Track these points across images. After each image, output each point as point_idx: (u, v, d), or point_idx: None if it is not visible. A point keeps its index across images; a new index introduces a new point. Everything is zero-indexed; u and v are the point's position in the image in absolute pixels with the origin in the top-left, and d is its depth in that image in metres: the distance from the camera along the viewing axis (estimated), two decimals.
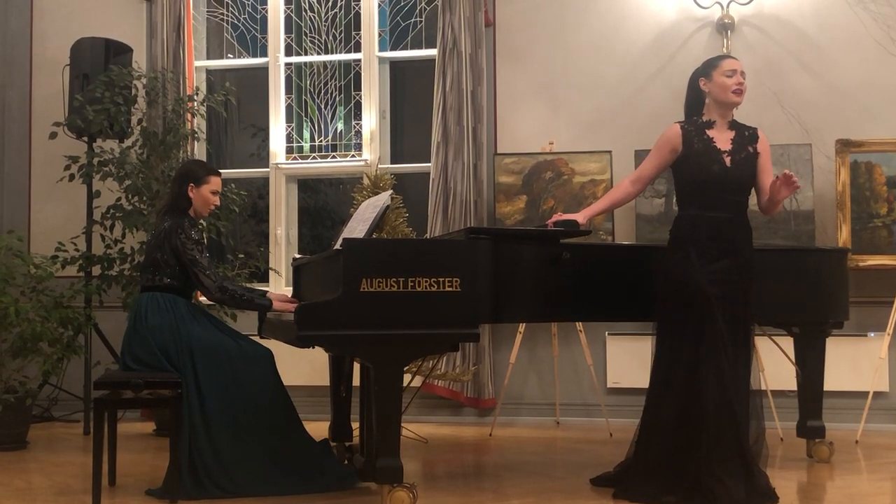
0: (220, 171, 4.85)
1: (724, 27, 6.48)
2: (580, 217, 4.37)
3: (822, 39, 6.40)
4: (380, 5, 7.22)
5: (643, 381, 6.30)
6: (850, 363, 6.08)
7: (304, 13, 7.35)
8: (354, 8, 7.25)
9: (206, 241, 4.79)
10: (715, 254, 4.13)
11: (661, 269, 4.28)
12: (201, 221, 4.72)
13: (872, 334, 6.11)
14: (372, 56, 7.16)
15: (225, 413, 4.24)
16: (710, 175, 4.18)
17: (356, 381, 4.89)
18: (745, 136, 4.28)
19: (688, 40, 6.60)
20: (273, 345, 4.51)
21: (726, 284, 4.10)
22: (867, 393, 5.85)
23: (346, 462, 4.72)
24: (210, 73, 7.55)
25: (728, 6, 6.47)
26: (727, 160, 4.19)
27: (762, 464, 4.17)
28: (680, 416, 4.08)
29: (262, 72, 7.36)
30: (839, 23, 6.42)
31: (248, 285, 6.36)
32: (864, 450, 5.52)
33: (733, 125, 4.31)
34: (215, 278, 4.44)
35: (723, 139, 4.24)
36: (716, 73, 4.26)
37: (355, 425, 4.93)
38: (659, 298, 4.27)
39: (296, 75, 7.37)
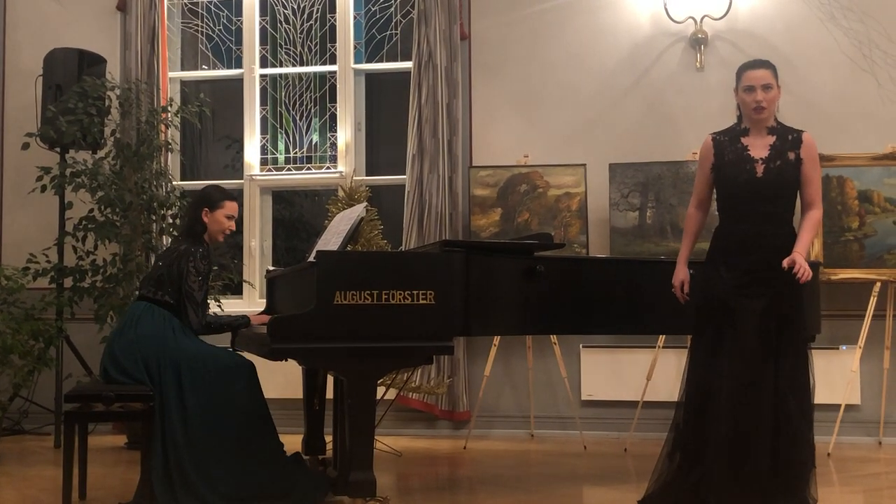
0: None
1: (698, 42, 6.52)
2: (682, 269, 4.27)
3: (794, 55, 6.44)
4: (355, 18, 7.23)
5: (617, 393, 6.42)
6: (822, 376, 6.04)
7: (279, 25, 7.34)
8: (330, 20, 7.25)
9: (212, 268, 4.78)
10: (745, 266, 4.01)
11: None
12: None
13: (844, 347, 6.15)
14: (347, 68, 7.16)
15: (209, 425, 4.19)
16: (737, 185, 4.07)
17: (330, 394, 4.88)
18: (788, 141, 4.10)
19: (662, 55, 6.64)
20: (245, 357, 4.49)
21: (757, 298, 3.97)
22: (839, 406, 5.89)
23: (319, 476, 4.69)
24: (184, 84, 7.52)
25: (701, 21, 6.51)
26: (759, 169, 4.04)
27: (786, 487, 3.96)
28: (693, 426, 4.07)
29: (237, 83, 7.34)
30: (811, 38, 6.48)
31: (221, 297, 6.39)
32: (837, 462, 5.55)
33: (774, 130, 4.14)
34: (201, 316, 4.44)
35: (759, 145, 4.10)
36: (739, 88, 4.14)
37: (329, 438, 4.91)
38: (694, 311, 4.20)
39: (271, 87, 7.35)
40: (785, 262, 3.89)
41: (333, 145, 7.20)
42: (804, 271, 3.86)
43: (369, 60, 7.25)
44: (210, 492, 4.11)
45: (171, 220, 6.54)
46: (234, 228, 4.74)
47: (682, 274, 4.28)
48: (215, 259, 6.58)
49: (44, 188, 6.23)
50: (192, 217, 4.64)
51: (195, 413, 4.19)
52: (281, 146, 7.32)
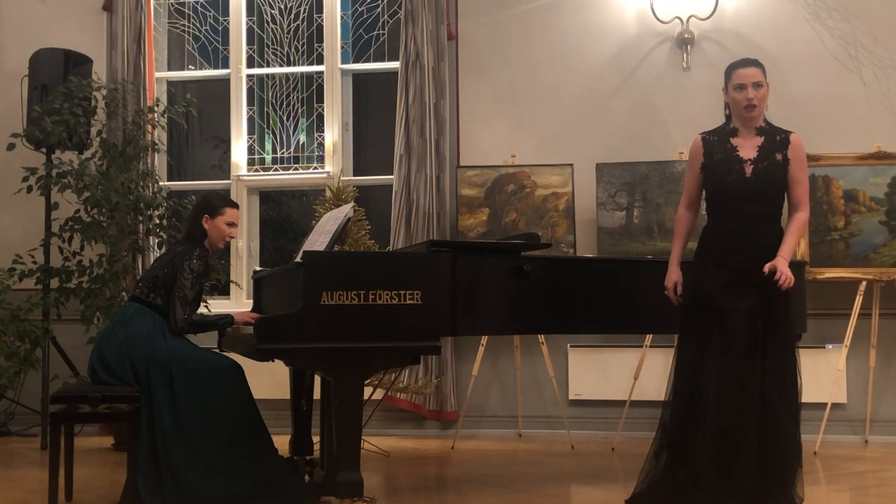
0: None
1: (684, 42, 6.54)
2: (674, 270, 4.24)
3: (780, 55, 6.46)
4: (342, 17, 7.22)
5: (605, 393, 6.43)
6: (809, 375, 6.04)
7: (266, 25, 7.33)
8: (317, 20, 7.24)
9: (208, 271, 4.73)
10: (733, 266, 4.01)
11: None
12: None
13: (830, 346, 6.17)
14: (334, 68, 7.15)
15: (200, 427, 4.17)
16: (725, 185, 4.07)
17: (317, 395, 4.87)
18: (776, 142, 4.11)
19: (648, 55, 6.65)
20: (233, 358, 4.48)
21: (745, 297, 3.96)
22: (825, 404, 5.91)
23: (306, 476, 4.69)
24: (171, 84, 7.50)
25: (688, 21, 6.53)
26: (748, 169, 4.04)
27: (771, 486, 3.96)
28: (680, 425, 4.07)
29: (224, 83, 7.32)
30: (797, 38, 6.50)
31: (208, 298, 6.37)
32: (823, 461, 5.57)
33: (763, 130, 4.14)
34: (188, 314, 4.40)
35: (748, 146, 4.10)
36: (729, 86, 4.14)
37: (316, 439, 4.91)
38: (682, 310, 4.21)
39: (258, 87, 7.34)
40: (766, 268, 3.90)
41: (321, 145, 7.19)
42: (785, 278, 3.88)
43: (356, 60, 7.25)
44: (203, 492, 4.10)
45: (157, 221, 6.53)
46: (234, 236, 4.71)
47: (674, 275, 4.26)
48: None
49: (30, 189, 6.21)
50: (193, 223, 4.61)
51: (187, 415, 4.17)
52: (268, 146, 7.31)
